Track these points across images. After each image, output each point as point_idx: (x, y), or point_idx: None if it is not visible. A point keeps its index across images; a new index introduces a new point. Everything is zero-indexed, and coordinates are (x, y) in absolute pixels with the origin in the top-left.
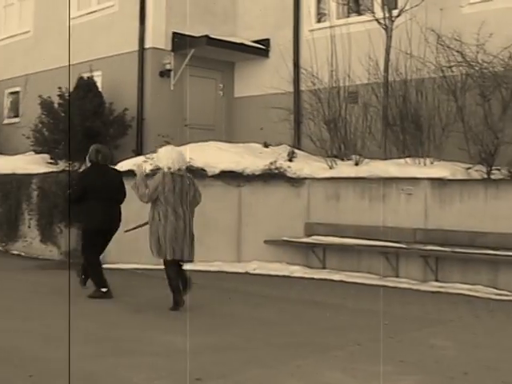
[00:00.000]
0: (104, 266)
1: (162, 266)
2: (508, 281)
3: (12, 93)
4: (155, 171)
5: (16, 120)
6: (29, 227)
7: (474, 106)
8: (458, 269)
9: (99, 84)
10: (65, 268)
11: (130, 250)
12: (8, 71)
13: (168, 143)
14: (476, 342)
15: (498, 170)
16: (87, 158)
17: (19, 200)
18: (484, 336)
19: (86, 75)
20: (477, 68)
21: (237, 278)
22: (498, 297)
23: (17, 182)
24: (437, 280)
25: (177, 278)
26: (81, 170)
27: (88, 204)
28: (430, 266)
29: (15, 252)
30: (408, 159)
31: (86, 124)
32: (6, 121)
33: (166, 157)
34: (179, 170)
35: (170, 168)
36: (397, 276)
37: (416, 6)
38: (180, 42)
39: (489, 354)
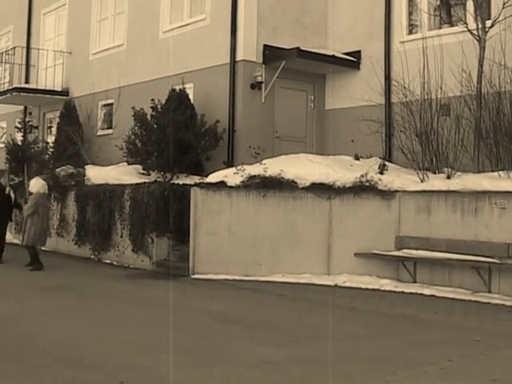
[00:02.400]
0: (194, 276)
1: (250, 278)
2: None
3: (106, 105)
4: (245, 183)
5: (109, 131)
6: (121, 237)
7: None
8: None
9: (191, 96)
10: (156, 278)
11: (219, 261)
12: (102, 83)
13: (258, 154)
14: None
15: None
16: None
17: (112, 210)
18: None
19: (178, 87)
20: None
21: (326, 291)
22: None
23: (110, 192)
24: None
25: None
26: None
27: None
28: None
29: (107, 261)
30: (501, 172)
31: (177, 136)
32: (100, 132)
33: (36, 185)
34: (44, 193)
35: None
36: (489, 291)
37: (510, 15)
38: (271, 54)
39: None
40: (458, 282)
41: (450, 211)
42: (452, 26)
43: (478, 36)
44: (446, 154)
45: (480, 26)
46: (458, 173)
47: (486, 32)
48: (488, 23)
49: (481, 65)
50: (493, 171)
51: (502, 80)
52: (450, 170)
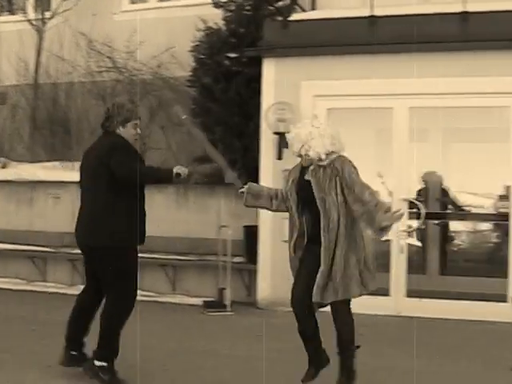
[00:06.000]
0: None
1: None
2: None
3: None
4: None
5: None
6: None
7: None
8: None
9: None
10: None
11: None
12: None
13: None
14: None
15: None
16: None
17: None
18: None
19: None
20: (126, 74)
21: None
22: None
23: None
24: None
25: None
26: None
27: None
28: (78, 269)
29: None
30: (56, 163)
31: None
32: None
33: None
34: None
35: None
36: (44, 280)
37: (69, 9)
38: None
39: None
40: (15, 272)
41: (5, 201)
42: (12, 14)
43: (38, 27)
44: (1, 143)
45: (39, 16)
46: (14, 162)
47: (45, 23)
48: (47, 14)
49: (39, 55)
50: (48, 161)
51: (59, 72)
52: (5, 159)
